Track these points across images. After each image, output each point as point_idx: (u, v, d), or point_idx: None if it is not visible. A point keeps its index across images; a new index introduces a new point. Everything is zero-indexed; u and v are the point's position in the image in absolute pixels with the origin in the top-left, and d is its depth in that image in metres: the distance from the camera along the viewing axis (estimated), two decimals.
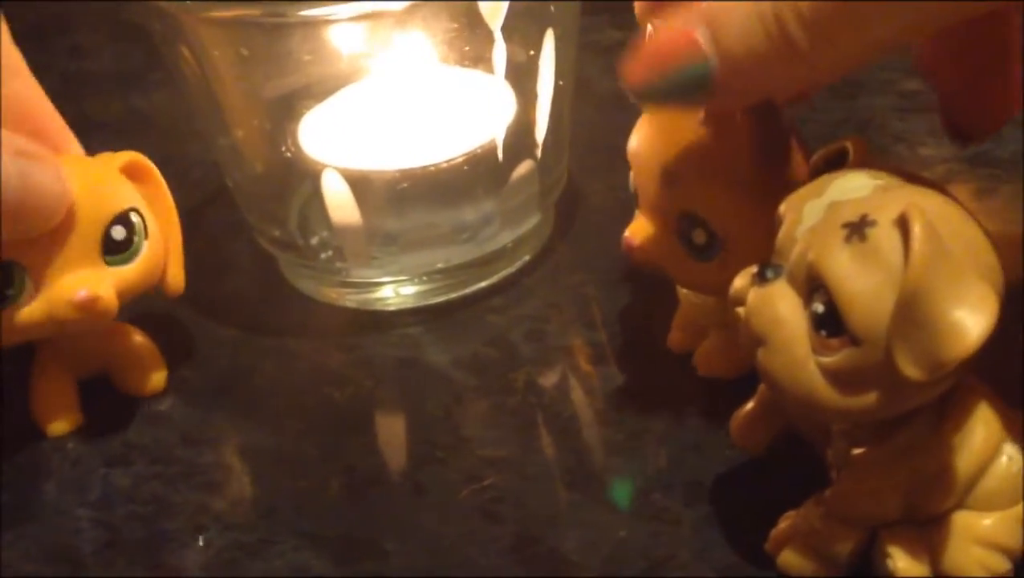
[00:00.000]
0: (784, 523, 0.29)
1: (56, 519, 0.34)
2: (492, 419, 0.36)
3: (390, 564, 0.31)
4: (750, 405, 0.30)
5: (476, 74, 0.38)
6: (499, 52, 0.37)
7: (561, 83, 0.39)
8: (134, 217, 0.34)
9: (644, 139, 0.32)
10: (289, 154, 0.39)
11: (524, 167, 0.39)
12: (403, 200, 0.39)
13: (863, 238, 0.24)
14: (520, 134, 0.39)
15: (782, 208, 0.26)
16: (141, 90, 0.55)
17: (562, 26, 0.38)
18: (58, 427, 0.36)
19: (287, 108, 0.38)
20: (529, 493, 0.33)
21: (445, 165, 0.38)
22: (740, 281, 0.26)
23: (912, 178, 0.26)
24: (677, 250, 0.32)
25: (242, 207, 0.41)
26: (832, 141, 0.29)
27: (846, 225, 0.24)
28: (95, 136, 0.37)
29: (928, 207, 0.24)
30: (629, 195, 0.33)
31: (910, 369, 0.24)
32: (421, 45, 0.37)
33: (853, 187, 0.25)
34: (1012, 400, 0.28)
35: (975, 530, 0.27)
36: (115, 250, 0.34)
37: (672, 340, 0.36)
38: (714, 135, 0.31)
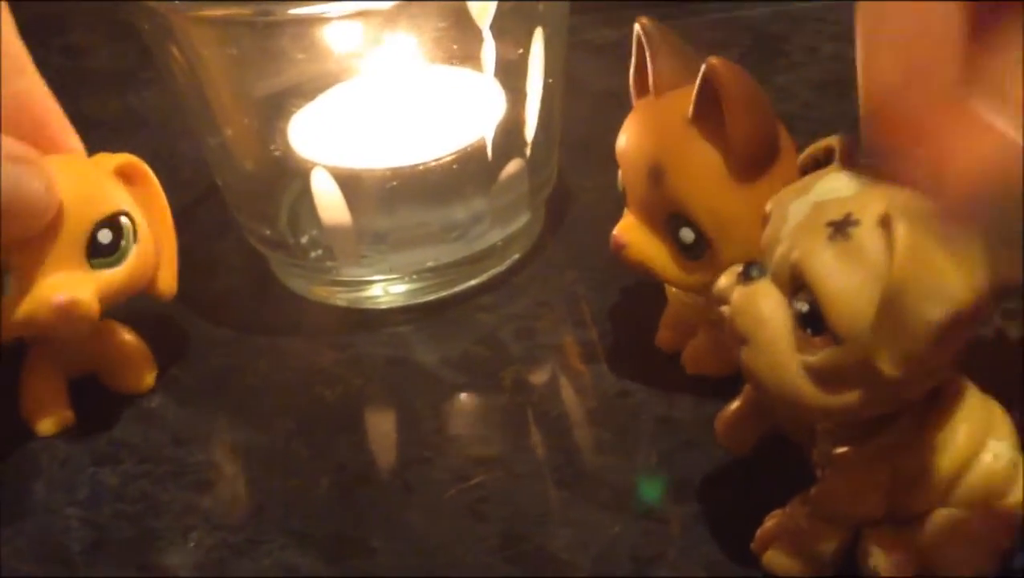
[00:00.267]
0: (769, 522, 0.29)
1: (45, 518, 0.34)
2: (481, 418, 0.36)
3: (378, 563, 0.31)
4: (735, 405, 0.30)
5: (466, 73, 0.38)
6: (488, 51, 0.37)
7: (551, 81, 0.39)
8: (123, 220, 0.34)
9: (632, 138, 0.32)
10: (279, 153, 0.38)
11: (514, 166, 0.39)
12: (393, 199, 0.39)
13: (846, 237, 0.24)
14: (510, 133, 0.39)
15: (768, 207, 0.26)
16: (133, 88, 0.55)
17: (551, 25, 0.38)
18: (48, 426, 0.36)
19: (277, 107, 0.38)
20: (518, 491, 0.33)
21: (435, 164, 0.38)
22: (724, 280, 0.26)
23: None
24: (665, 249, 0.32)
25: (232, 206, 0.41)
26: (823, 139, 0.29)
27: (830, 224, 0.24)
28: (88, 134, 0.37)
29: (911, 206, 0.24)
30: (619, 193, 0.33)
31: (890, 368, 0.24)
32: (410, 44, 0.37)
33: (837, 186, 0.25)
34: (1006, 398, 0.28)
35: (959, 528, 0.27)
36: (101, 253, 0.34)
37: (661, 339, 0.36)
38: (703, 134, 0.31)
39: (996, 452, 0.27)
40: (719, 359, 0.34)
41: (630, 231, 0.33)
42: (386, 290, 0.40)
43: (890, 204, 0.24)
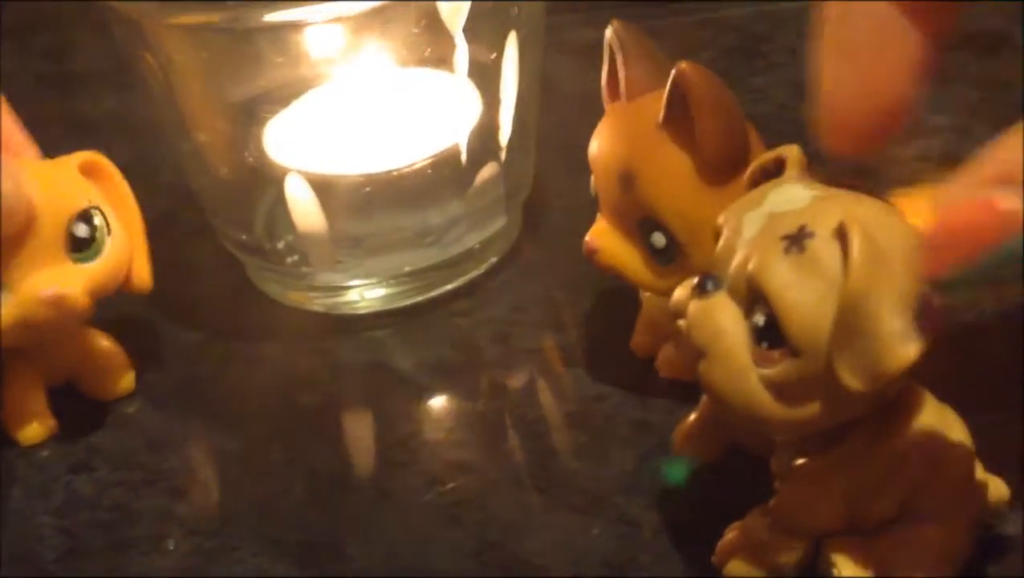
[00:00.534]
0: (730, 534, 0.29)
1: (20, 526, 0.34)
2: (457, 422, 0.36)
3: (353, 568, 0.31)
4: (693, 416, 0.30)
5: (440, 77, 0.38)
6: (461, 55, 0.37)
7: (526, 85, 0.39)
8: (95, 214, 0.34)
9: (603, 143, 0.32)
10: (253, 159, 0.38)
11: (489, 170, 0.39)
12: (368, 204, 0.39)
13: (802, 249, 0.24)
14: (484, 137, 0.39)
15: (720, 219, 0.26)
16: (114, 91, 0.55)
17: (526, 28, 0.38)
18: (33, 435, 0.36)
19: (250, 113, 0.38)
20: (493, 496, 0.33)
21: (410, 169, 0.38)
22: (680, 293, 0.26)
23: (850, 186, 0.26)
24: (638, 254, 0.32)
25: (207, 212, 0.41)
26: (798, 142, 0.28)
27: (785, 237, 0.24)
28: (67, 137, 0.37)
29: (866, 217, 0.24)
30: (593, 196, 0.33)
31: (851, 379, 0.24)
32: (384, 49, 0.37)
33: (792, 197, 0.25)
34: (957, 403, 0.28)
35: (919, 539, 0.27)
36: (80, 247, 0.34)
37: (635, 343, 0.36)
38: (673, 138, 0.31)
39: (952, 460, 0.27)
40: (692, 364, 0.34)
41: (602, 236, 0.33)
42: (362, 295, 0.40)
43: (845, 215, 0.24)
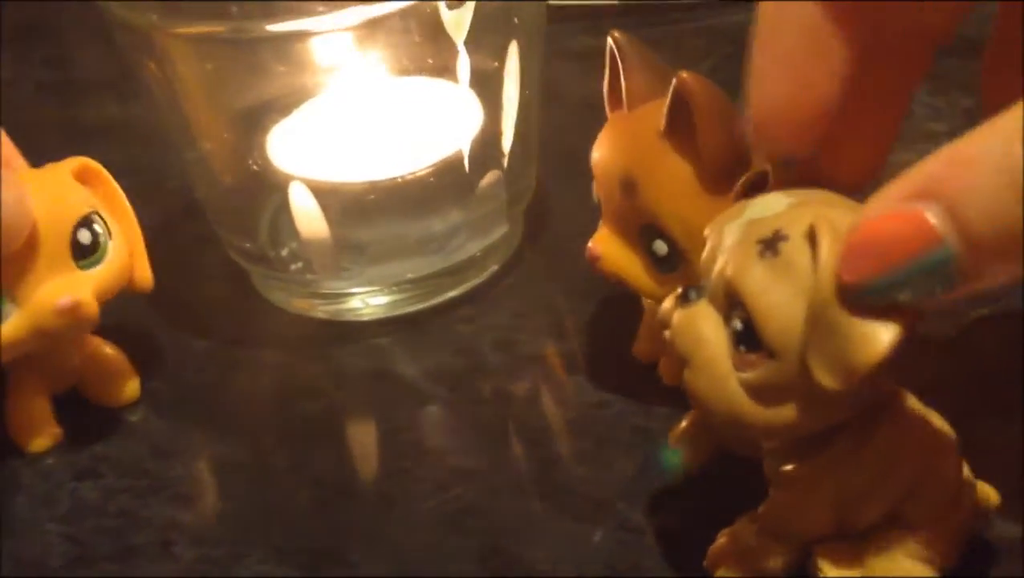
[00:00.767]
0: (720, 540, 0.29)
1: (26, 533, 0.34)
2: (460, 429, 0.36)
3: (358, 575, 0.31)
4: (683, 424, 0.31)
5: (442, 85, 0.38)
6: (463, 64, 0.37)
7: (527, 93, 0.39)
8: (96, 219, 0.35)
9: (605, 151, 0.33)
10: (257, 167, 0.39)
11: (491, 177, 0.39)
12: (371, 212, 0.39)
13: (776, 253, 0.24)
14: (486, 144, 0.39)
15: (706, 231, 0.27)
16: (116, 99, 0.55)
17: (527, 37, 0.39)
18: (40, 444, 0.36)
19: (254, 121, 0.39)
20: (496, 503, 0.33)
21: (412, 176, 0.38)
22: (667, 303, 0.27)
23: (829, 194, 0.26)
24: (640, 261, 0.33)
25: (211, 220, 0.41)
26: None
27: (760, 241, 0.25)
28: (69, 145, 0.37)
29: (837, 218, 0.24)
30: (595, 203, 0.34)
31: (825, 378, 0.24)
32: (387, 57, 0.37)
33: (769, 205, 0.25)
34: (952, 408, 0.28)
35: (907, 544, 0.27)
36: (84, 254, 0.34)
37: (638, 350, 0.36)
38: (674, 147, 0.31)
39: (939, 466, 0.27)
40: (679, 373, 0.34)
41: (604, 243, 0.33)
42: (365, 302, 0.40)
43: (816, 218, 0.24)
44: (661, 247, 0.32)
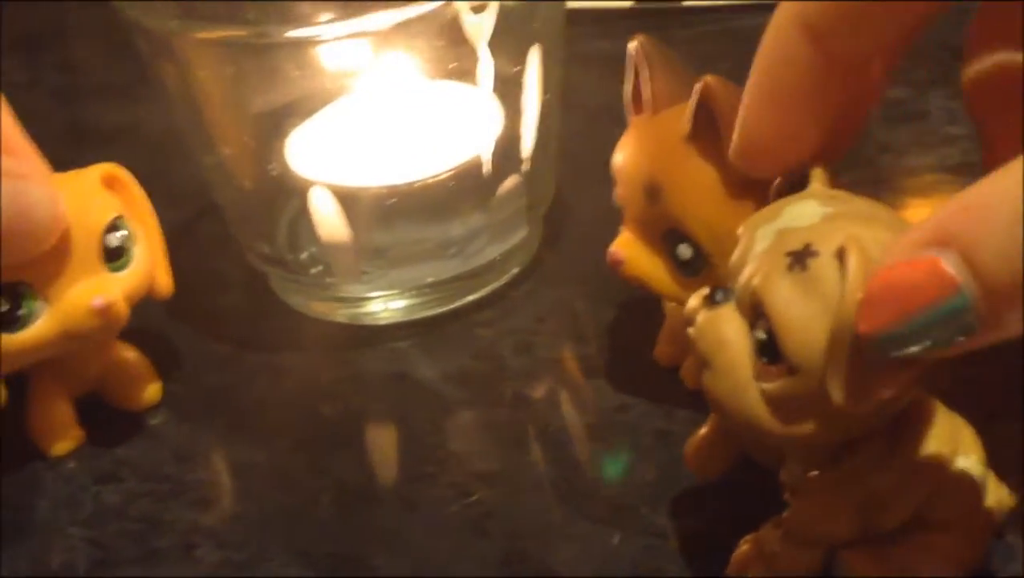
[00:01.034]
0: (744, 546, 0.29)
1: (49, 537, 0.34)
2: (481, 433, 0.36)
3: None
4: (703, 430, 0.30)
5: (462, 90, 0.38)
6: (485, 68, 0.37)
7: (548, 97, 0.39)
8: (123, 224, 0.35)
9: (628, 155, 0.33)
10: (277, 172, 0.39)
11: (511, 181, 0.39)
12: (391, 216, 0.39)
13: (804, 268, 0.24)
14: (507, 149, 0.39)
15: (739, 231, 0.26)
16: (130, 103, 0.55)
17: (548, 42, 0.39)
18: (62, 447, 0.36)
19: (274, 125, 0.39)
20: (518, 507, 0.33)
21: (432, 180, 0.38)
22: (692, 302, 0.26)
23: (866, 206, 0.26)
24: (663, 265, 0.33)
25: (230, 224, 0.42)
26: None
27: (790, 254, 0.24)
28: (84, 150, 0.37)
29: (871, 238, 0.24)
30: (617, 208, 0.34)
31: (842, 399, 0.23)
32: (407, 61, 0.37)
33: (803, 214, 0.25)
34: (968, 412, 0.28)
35: (931, 545, 0.27)
36: (114, 257, 0.34)
37: (659, 354, 0.36)
38: (698, 151, 0.31)
39: (964, 468, 0.27)
40: (699, 374, 0.34)
41: (627, 247, 0.33)
42: (385, 306, 0.40)
43: (848, 236, 0.23)
44: (685, 251, 0.32)
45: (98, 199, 0.35)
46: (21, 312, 0.33)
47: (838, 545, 0.28)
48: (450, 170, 0.38)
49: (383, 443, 0.37)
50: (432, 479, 0.34)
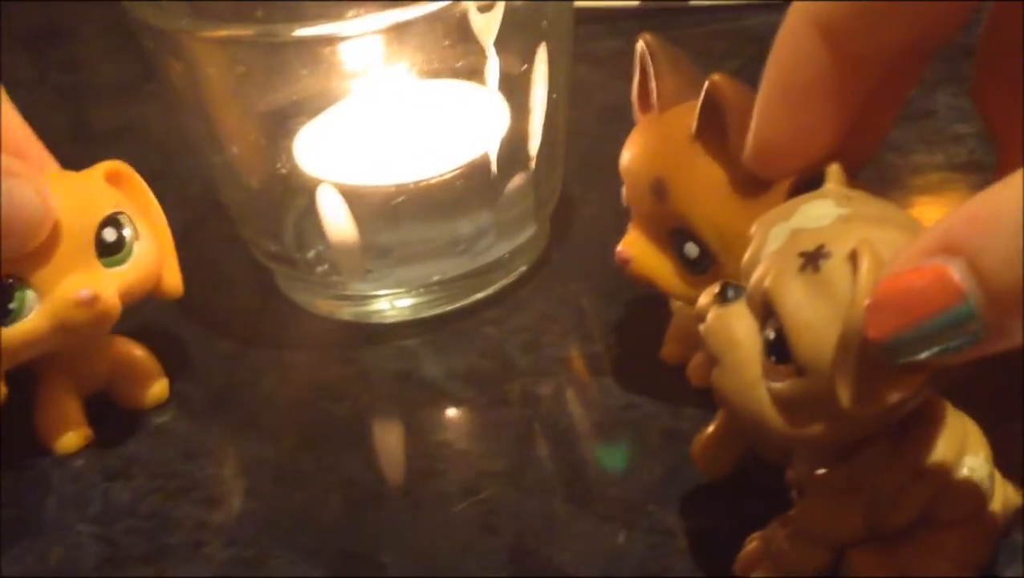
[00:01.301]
0: (751, 545, 0.29)
1: (57, 534, 0.34)
2: (488, 431, 0.36)
3: (387, 576, 0.31)
4: (711, 428, 0.30)
5: (470, 88, 0.39)
6: (492, 67, 0.37)
7: (555, 96, 0.39)
8: (123, 219, 0.35)
9: (636, 154, 0.33)
10: (284, 170, 0.39)
11: (518, 180, 0.39)
12: (398, 214, 0.39)
13: (816, 269, 0.24)
14: (514, 147, 0.39)
15: (753, 228, 0.26)
16: (136, 102, 0.56)
17: (555, 40, 0.39)
18: (69, 444, 0.37)
19: (281, 124, 0.39)
20: (525, 506, 0.33)
21: (439, 179, 0.38)
22: (704, 299, 0.27)
23: (881, 208, 0.26)
24: (670, 263, 0.33)
25: (237, 222, 0.42)
26: None
27: (802, 254, 0.24)
28: (90, 149, 0.37)
29: (884, 242, 0.23)
30: (624, 206, 0.34)
31: (849, 403, 0.23)
32: (415, 60, 0.37)
33: (819, 214, 0.25)
34: (975, 412, 0.28)
35: (939, 544, 0.27)
36: (109, 252, 0.34)
37: (666, 352, 0.36)
38: (706, 149, 0.31)
39: (972, 467, 0.27)
40: (709, 371, 0.34)
41: (634, 245, 0.33)
42: (392, 304, 0.40)
43: (861, 239, 0.23)
44: (692, 249, 0.32)
45: (96, 193, 0.35)
46: (12, 305, 0.33)
47: (845, 544, 0.28)
48: (457, 169, 0.38)
49: (390, 441, 0.37)
50: (439, 477, 0.34)
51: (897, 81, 0.29)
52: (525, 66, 0.38)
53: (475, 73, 0.38)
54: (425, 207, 0.39)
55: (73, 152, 0.38)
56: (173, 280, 0.37)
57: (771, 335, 0.25)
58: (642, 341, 0.37)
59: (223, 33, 0.35)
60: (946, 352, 0.22)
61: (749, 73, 0.41)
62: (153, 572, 0.32)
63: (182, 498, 0.35)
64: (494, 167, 0.39)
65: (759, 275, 0.25)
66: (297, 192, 0.40)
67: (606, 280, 0.40)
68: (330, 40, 0.35)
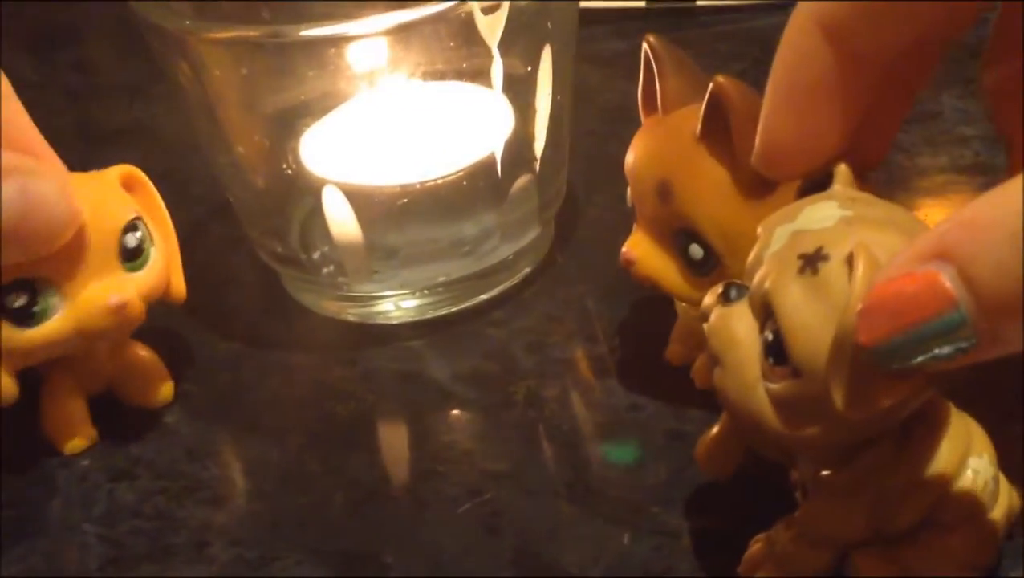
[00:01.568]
0: (755, 546, 0.29)
1: (62, 535, 0.34)
2: (492, 432, 0.36)
3: (391, 577, 0.32)
4: (715, 430, 0.30)
5: (475, 90, 0.39)
6: (497, 68, 0.37)
7: (559, 97, 0.40)
8: (140, 224, 0.35)
9: (640, 155, 0.33)
10: (290, 171, 0.39)
11: (523, 181, 0.39)
12: (403, 215, 0.39)
13: (815, 272, 0.24)
14: (519, 149, 0.39)
15: (758, 230, 0.26)
16: (144, 103, 0.56)
17: (560, 42, 0.39)
18: (76, 445, 0.37)
19: (287, 125, 0.39)
20: (529, 507, 0.33)
21: (444, 180, 0.38)
22: (708, 299, 0.27)
23: (886, 210, 0.26)
24: (674, 265, 0.33)
25: (243, 222, 0.42)
26: None
27: (802, 256, 0.24)
28: (97, 149, 0.37)
29: (882, 245, 0.23)
30: (628, 207, 0.34)
31: (843, 406, 0.23)
32: (420, 62, 0.38)
33: (822, 216, 0.25)
34: (978, 413, 0.28)
35: (943, 545, 0.27)
36: (131, 257, 0.35)
37: (670, 353, 0.36)
38: (710, 151, 0.31)
39: (976, 469, 0.27)
40: (711, 371, 0.34)
41: (639, 247, 0.33)
42: (397, 305, 0.40)
43: (858, 242, 0.23)
44: (696, 251, 0.32)
45: (117, 199, 0.35)
46: (37, 308, 0.33)
47: (849, 546, 0.28)
48: (462, 170, 0.39)
49: (395, 442, 0.37)
50: (443, 478, 0.34)
51: (905, 82, 0.29)
52: (530, 67, 0.38)
53: (480, 74, 0.38)
54: (430, 208, 0.39)
55: (81, 154, 0.38)
56: (178, 285, 0.37)
57: (769, 336, 0.25)
58: (646, 342, 0.37)
59: (229, 34, 0.35)
60: (939, 358, 0.22)
61: (754, 75, 0.41)
62: (157, 572, 0.32)
63: (187, 499, 0.35)
64: (499, 168, 0.39)
65: (760, 276, 0.25)
66: (303, 193, 0.40)
67: (610, 281, 0.40)
68: (336, 41, 0.35)
